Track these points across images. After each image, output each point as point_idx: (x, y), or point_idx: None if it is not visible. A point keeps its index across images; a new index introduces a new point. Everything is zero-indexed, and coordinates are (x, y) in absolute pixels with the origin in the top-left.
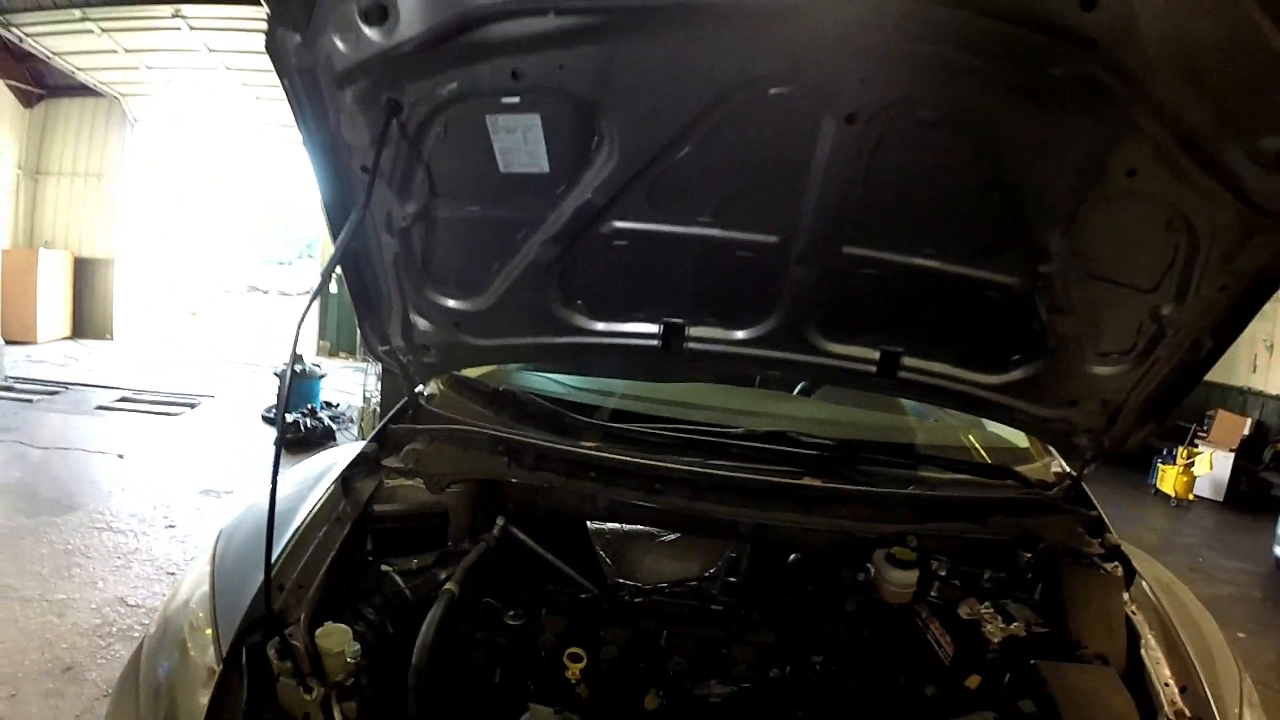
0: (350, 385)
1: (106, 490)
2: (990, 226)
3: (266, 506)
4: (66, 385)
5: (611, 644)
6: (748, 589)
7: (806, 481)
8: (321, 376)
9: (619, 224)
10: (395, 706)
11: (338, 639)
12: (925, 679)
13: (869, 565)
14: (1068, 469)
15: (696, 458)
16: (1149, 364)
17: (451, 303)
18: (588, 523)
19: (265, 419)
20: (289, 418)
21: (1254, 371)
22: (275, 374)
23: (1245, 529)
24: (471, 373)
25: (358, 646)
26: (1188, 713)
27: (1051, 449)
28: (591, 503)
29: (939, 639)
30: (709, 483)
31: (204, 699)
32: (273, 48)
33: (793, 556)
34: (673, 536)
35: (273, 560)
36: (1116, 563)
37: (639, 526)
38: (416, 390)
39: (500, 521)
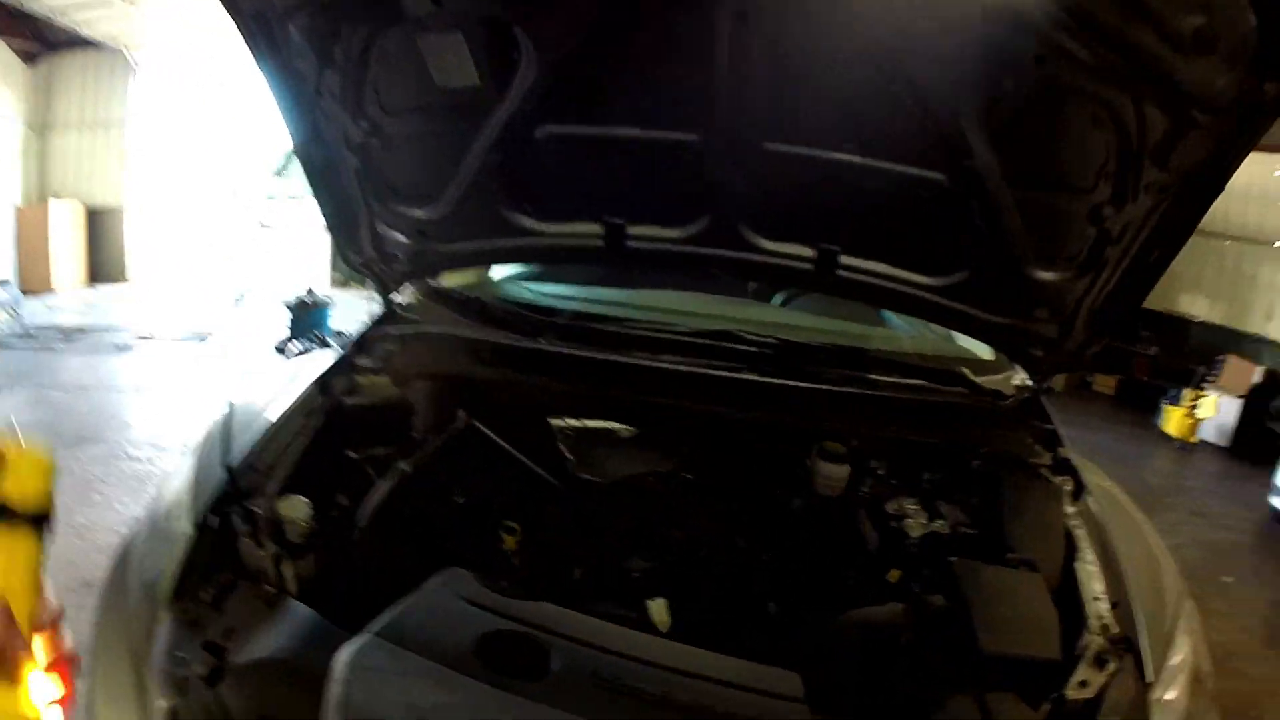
0: (359, 314)
1: (125, 422)
2: (904, 121)
3: (248, 407)
4: (85, 330)
5: (550, 521)
6: (702, 483)
7: (746, 376)
8: (330, 305)
9: (550, 129)
10: (343, 568)
11: (296, 508)
12: (850, 569)
13: (807, 459)
14: (1029, 382)
15: (644, 354)
16: (1096, 272)
17: (413, 212)
18: (550, 420)
19: (277, 349)
20: (297, 346)
21: (1269, 320)
22: (285, 305)
23: (1247, 476)
24: (454, 283)
25: (310, 513)
26: (1114, 628)
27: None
28: (543, 396)
29: (869, 533)
30: (652, 376)
31: (177, 559)
32: None
33: (745, 455)
34: (631, 433)
35: (253, 448)
36: (1067, 477)
37: (600, 424)
38: (392, 298)
39: (462, 414)
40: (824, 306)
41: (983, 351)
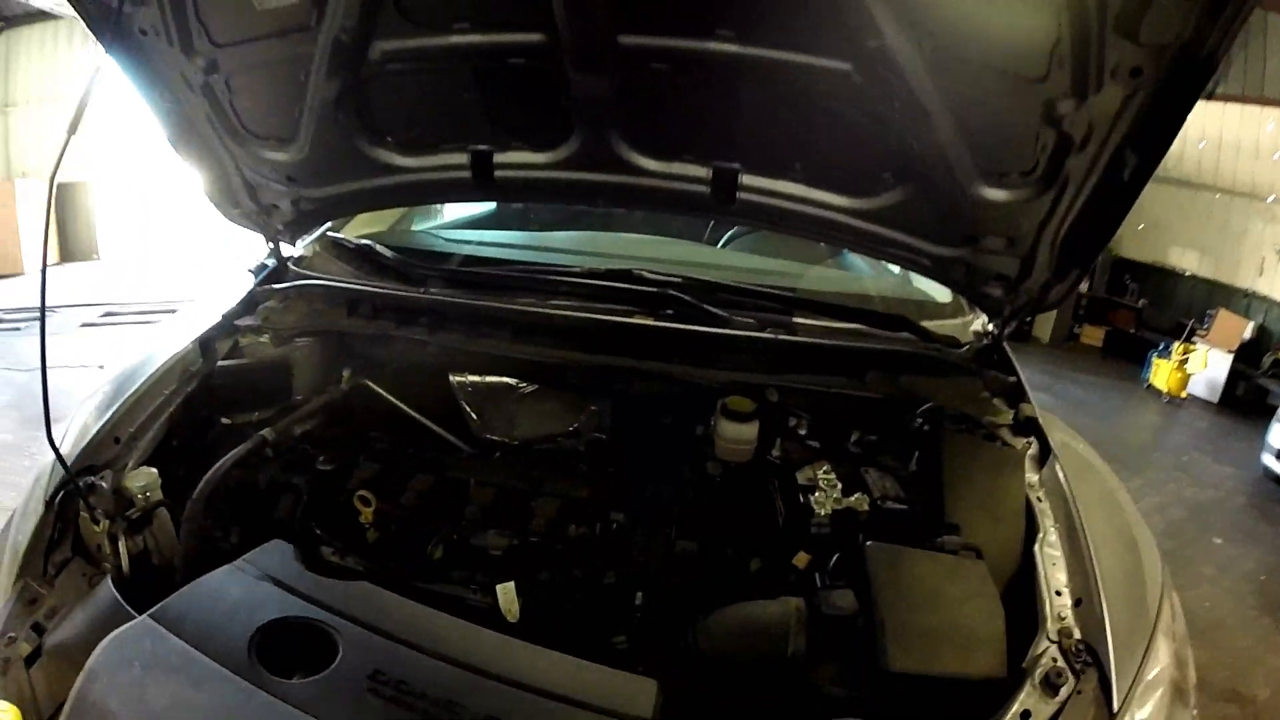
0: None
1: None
2: None
3: (125, 371)
4: (53, 309)
5: (411, 491)
6: (612, 445)
7: (637, 320)
8: None
9: (383, 45)
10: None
11: (138, 479)
12: (753, 551)
13: (712, 418)
14: (990, 328)
15: (532, 299)
16: (1058, 189)
17: (275, 155)
18: (451, 376)
19: None
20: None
21: (1260, 275)
22: (249, 271)
23: (1236, 433)
24: (366, 232)
25: (149, 483)
26: (1075, 633)
27: (971, 304)
28: (422, 349)
29: (780, 507)
30: (532, 323)
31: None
32: None
33: (646, 413)
34: (531, 389)
35: (113, 415)
36: (1030, 439)
37: (501, 380)
38: (284, 253)
39: (346, 374)
40: (772, 247)
41: (940, 295)
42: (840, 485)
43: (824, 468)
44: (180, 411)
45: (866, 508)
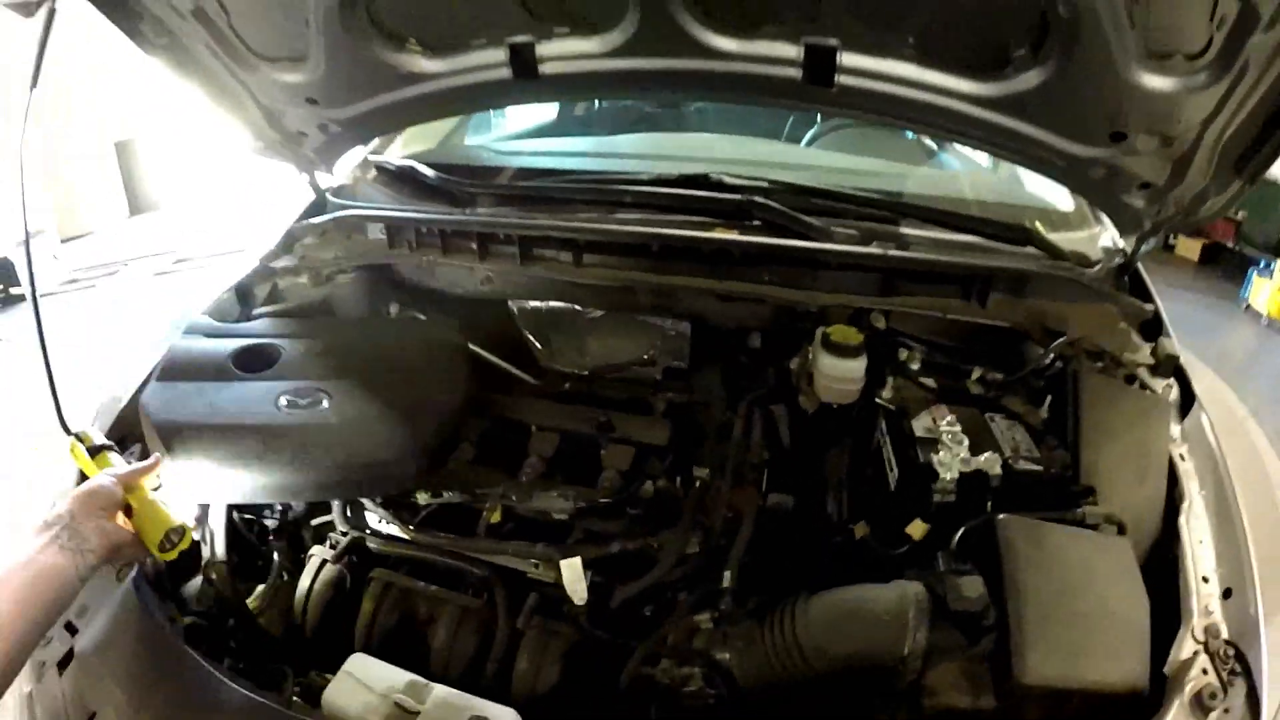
0: None
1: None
2: None
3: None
4: (125, 262)
5: (466, 441)
6: (691, 375)
7: (718, 234)
8: None
9: None
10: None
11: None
12: (862, 514)
13: (807, 348)
14: (1120, 244)
15: (594, 213)
16: (1233, 77)
17: (288, 77)
18: (510, 304)
19: None
20: None
21: None
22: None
23: None
24: (421, 150)
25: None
26: (1224, 632)
27: (1101, 215)
28: (473, 276)
29: (891, 461)
30: (592, 240)
31: None
32: None
33: (752, 339)
34: (599, 314)
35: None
36: (1171, 381)
37: (565, 305)
38: (320, 183)
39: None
40: (866, 144)
41: (1060, 202)
42: (966, 441)
43: (947, 417)
44: None
45: (999, 470)
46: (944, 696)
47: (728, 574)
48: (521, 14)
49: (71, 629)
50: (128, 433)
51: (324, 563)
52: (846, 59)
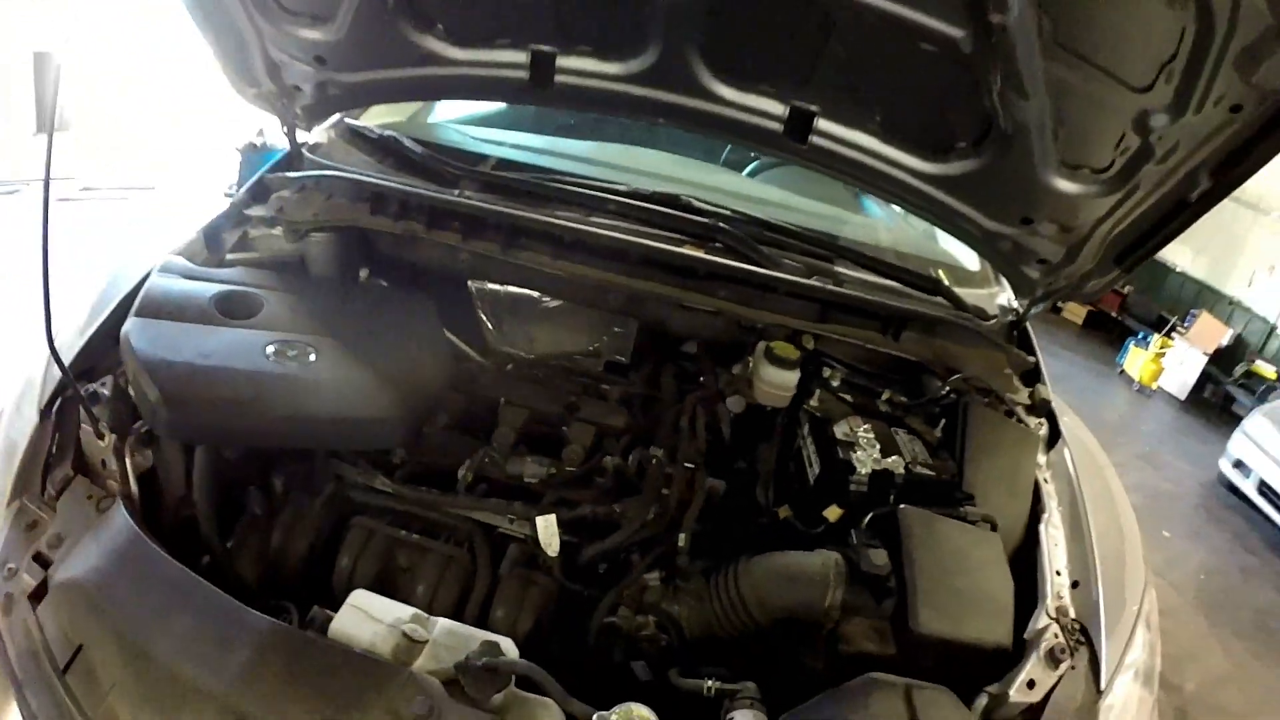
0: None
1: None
2: None
3: (122, 265)
4: (28, 182)
5: (444, 411)
6: (632, 369)
7: (688, 250)
8: (277, 151)
9: None
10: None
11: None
12: (785, 499)
13: (748, 358)
14: (1015, 304)
15: (573, 214)
16: (1125, 192)
17: (307, 34)
18: (470, 284)
19: (226, 195)
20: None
21: (1249, 286)
22: (237, 150)
23: (1199, 433)
24: (381, 122)
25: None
26: (1071, 612)
27: (1001, 278)
28: (452, 255)
29: (811, 457)
30: (576, 239)
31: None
32: None
33: (686, 344)
34: (556, 303)
35: (113, 313)
36: (1042, 421)
37: (523, 291)
38: (299, 138)
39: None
40: (799, 183)
41: (968, 261)
42: (878, 445)
43: (863, 425)
44: None
45: (902, 471)
46: (855, 644)
47: (683, 536)
48: (553, 26)
49: (43, 560)
50: (96, 363)
51: (301, 508)
52: (822, 124)
